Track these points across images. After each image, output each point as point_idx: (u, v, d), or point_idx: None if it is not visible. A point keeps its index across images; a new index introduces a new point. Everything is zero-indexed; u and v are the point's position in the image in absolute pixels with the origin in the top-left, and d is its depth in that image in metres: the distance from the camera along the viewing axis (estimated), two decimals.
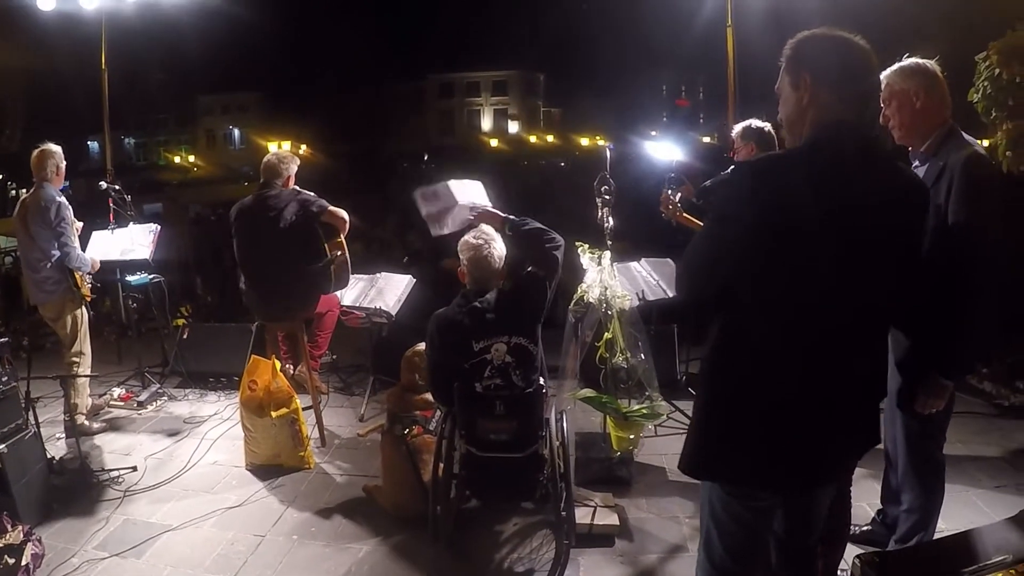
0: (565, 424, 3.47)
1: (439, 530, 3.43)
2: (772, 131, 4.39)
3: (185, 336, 6.34)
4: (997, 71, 5.41)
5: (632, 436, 4.26)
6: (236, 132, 58.93)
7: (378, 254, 10.38)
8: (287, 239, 4.65)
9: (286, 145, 46.32)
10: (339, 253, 4.81)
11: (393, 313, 5.39)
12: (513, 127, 62.39)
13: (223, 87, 54.01)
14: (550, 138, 60.41)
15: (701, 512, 2.22)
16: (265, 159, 4.90)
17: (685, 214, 4.47)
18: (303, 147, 46.13)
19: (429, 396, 3.95)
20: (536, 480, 3.35)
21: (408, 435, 3.86)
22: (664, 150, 6.13)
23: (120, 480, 4.35)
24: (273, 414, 4.31)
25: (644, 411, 4.21)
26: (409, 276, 5.71)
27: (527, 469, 3.30)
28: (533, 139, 60.05)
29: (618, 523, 3.74)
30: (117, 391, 5.74)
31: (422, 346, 4.09)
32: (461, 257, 3.38)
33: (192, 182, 36.49)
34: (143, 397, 5.63)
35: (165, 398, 5.80)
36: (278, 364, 4.47)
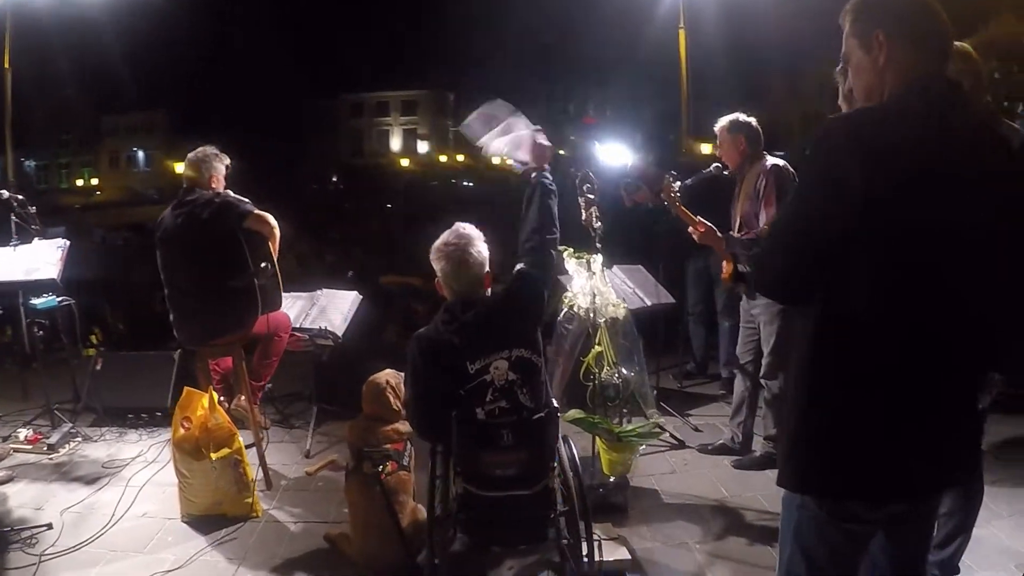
0: (574, 450, 2.91)
1: None
2: (758, 125, 4.10)
3: (98, 367, 5.45)
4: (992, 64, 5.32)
5: (626, 458, 3.75)
6: (141, 154, 55.69)
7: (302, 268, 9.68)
8: (206, 250, 3.97)
9: None
10: (265, 266, 4.06)
11: (340, 333, 4.75)
12: (423, 147, 61.64)
13: (127, 106, 50.93)
14: (460, 157, 60.04)
15: (782, 540, 1.93)
16: (187, 159, 4.19)
17: (682, 207, 4.01)
18: None
19: (400, 426, 3.38)
20: (546, 518, 2.77)
21: (382, 473, 3.22)
22: (612, 153, 5.81)
23: (33, 541, 3.54)
24: (213, 455, 3.60)
25: (639, 430, 3.72)
26: (355, 292, 5.07)
27: (536, 507, 2.71)
28: (443, 159, 59.52)
29: (629, 556, 3.29)
30: (23, 432, 4.84)
31: (386, 372, 3.54)
32: (435, 265, 2.81)
33: (95, 205, 34.28)
34: (54, 439, 4.74)
35: (79, 439, 4.92)
36: (216, 396, 3.74)
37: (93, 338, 6.95)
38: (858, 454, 1.70)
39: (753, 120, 4.16)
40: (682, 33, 6.43)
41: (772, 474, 4.21)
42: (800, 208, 1.73)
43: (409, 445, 3.40)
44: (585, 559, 2.74)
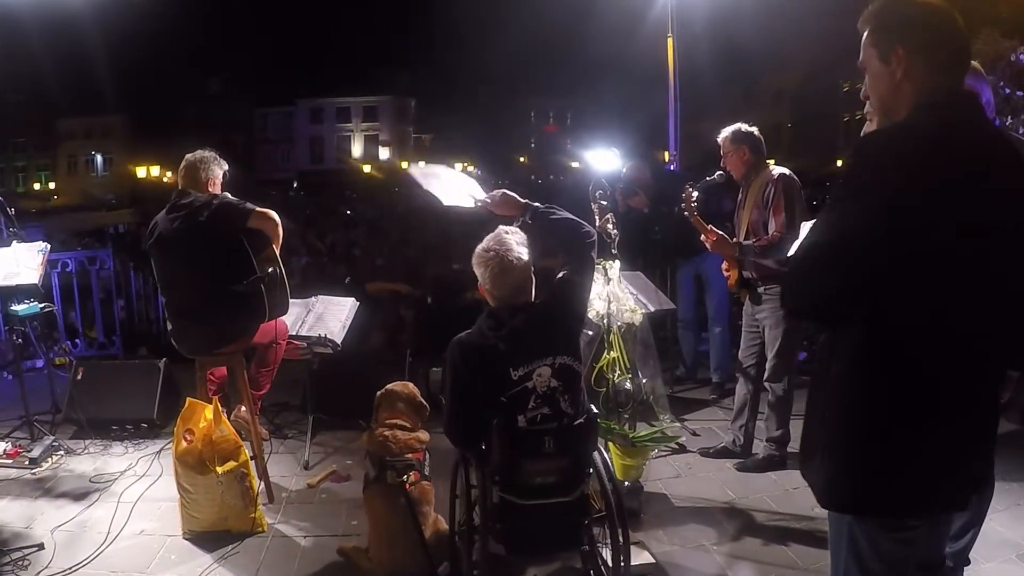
0: (605, 455, 2.83)
1: None
2: (760, 135, 4.09)
3: (79, 377, 5.18)
4: None
5: (639, 464, 3.67)
6: (99, 158, 53.98)
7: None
8: (206, 254, 3.74)
9: (155, 170, 43.31)
10: (272, 269, 3.84)
11: (339, 341, 4.57)
12: (384, 153, 61.05)
13: (85, 110, 49.26)
14: (422, 164, 59.39)
15: (834, 552, 1.88)
16: (183, 161, 3.95)
17: (696, 215, 3.96)
18: (169, 174, 43.21)
19: (422, 435, 3.26)
20: (582, 525, 2.71)
21: (406, 483, 3.09)
22: (603, 159, 5.78)
23: (25, 563, 3.30)
24: (219, 469, 3.41)
25: (654, 435, 3.64)
26: (352, 299, 4.89)
27: (573, 514, 2.66)
28: (405, 165, 59.00)
29: (653, 560, 3.24)
30: (2, 446, 4.56)
31: (398, 384, 3.46)
32: (476, 271, 2.74)
33: (53, 210, 33.14)
34: (36, 452, 4.48)
35: (62, 452, 4.66)
36: (219, 407, 3.55)
37: (63, 348, 6.64)
38: (916, 472, 1.69)
39: (755, 130, 4.14)
40: (671, 41, 6.38)
41: (776, 476, 4.27)
42: (843, 227, 1.64)
43: (427, 454, 3.26)
44: (621, 563, 2.66)
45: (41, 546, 3.41)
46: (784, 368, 4.13)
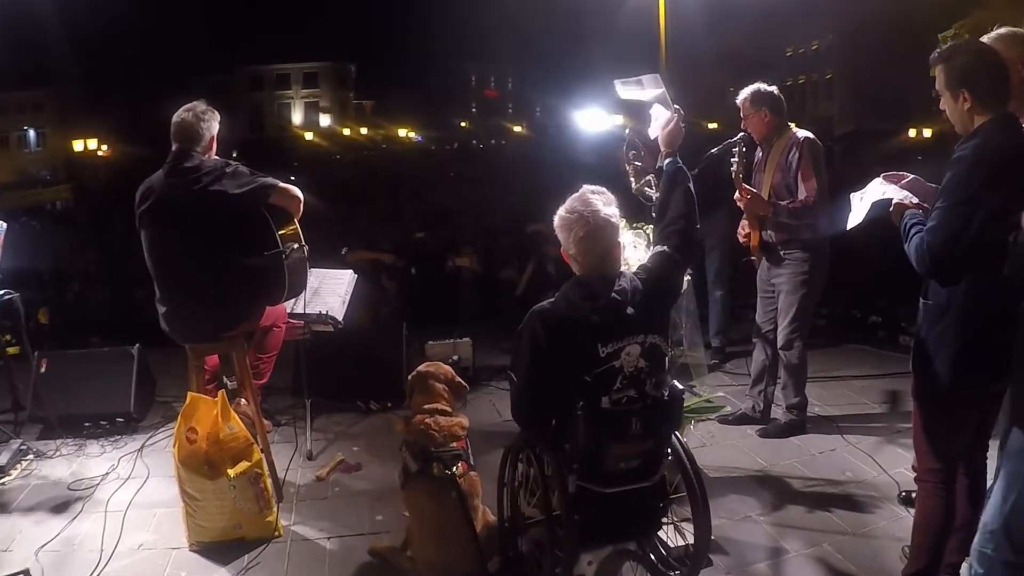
0: (678, 433, 2.58)
1: None
2: (780, 94, 3.96)
3: (43, 370, 4.56)
4: None
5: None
6: (32, 133, 50.53)
7: None
8: (213, 224, 3.21)
9: (92, 143, 40.75)
10: (296, 246, 3.35)
11: (340, 317, 4.08)
12: (325, 120, 59.14)
13: (15, 84, 45.82)
14: (364, 130, 58.04)
15: (1008, 485, 2.03)
16: (177, 116, 3.35)
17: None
18: (104, 147, 40.89)
19: (463, 420, 2.88)
20: (658, 510, 2.50)
21: (456, 475, 2.71)
22: (592, 119, 5.48)
23: None
24: (231, 472, 2.92)
25: (698, 404, 3.35)
26: (350, 271, 4.39)
27: (653, 498, 2.46)
28: (347, 132, 57.44)
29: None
30: None
31: (429, 364, 3.04)
32: (560, 235, 2.43)
33: None
34: (3, 459, 3.89)
35: (31, 457, 4.08)
36: (225, 399, 3.05)
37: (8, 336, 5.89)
38: None
39: (775, 89, 3.94)
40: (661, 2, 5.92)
41: (799, 441, 4.14)
42: (984, 202, 2.19)
43: (468, 442, 2.86)
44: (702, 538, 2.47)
45: (26, 573, 2.87)
46: (798, 334, 4.00)
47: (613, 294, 2.29)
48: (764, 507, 3.41)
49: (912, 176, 2.61)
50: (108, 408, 4.44)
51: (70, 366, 4.64)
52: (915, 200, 2.46)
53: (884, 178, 2.63)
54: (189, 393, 3.05)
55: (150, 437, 4.35)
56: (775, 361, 4.17)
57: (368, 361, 4.86)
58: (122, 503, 3.49)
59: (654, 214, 3.27)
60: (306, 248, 3.40)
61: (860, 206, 2.65)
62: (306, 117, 59.10)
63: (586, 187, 2.43)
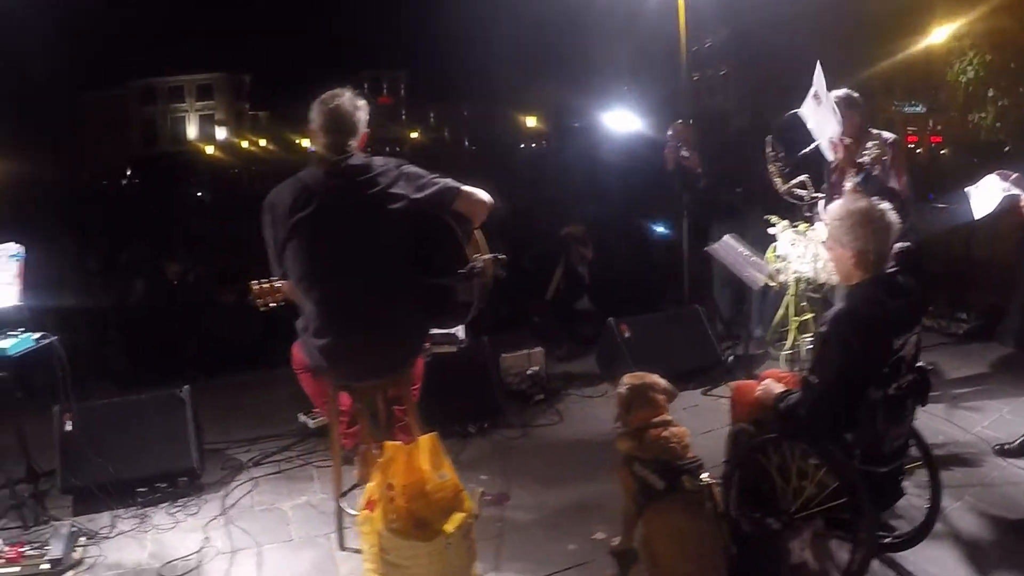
0: None
1: None
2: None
3: (68, 427, 3.60)
4: (988, 57, 5.89)
5: None
6: None
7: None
8: (404, 244, 2.62)
9: None
10: (483, 260, 2.74)
11: (463, 337, 3.49)
12: (221, 133, 56.19)
13: None
14: (262, 142, 55.62)
15: None
16: (331, 102, 2.65)
17: None
18: None
19: (684, 429, 2.68)
20: (901, 480, 2.64)
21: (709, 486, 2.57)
22: (620, 120, 5.83)
23: None
24: (447, 528, 2.22)
25: None
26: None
27: (900, 471, 2.62)
28: (244, 144, 54.83)
29: None
30: None
31: (632, 376, 2.79)
32: (855, 233, 2.47)
33: None
34: (58, 550, 2.95)
35: (83, 539, 3.16)
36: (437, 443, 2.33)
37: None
38: None
39: (859, 95, 4.13)
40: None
41: None
42: None
43: None
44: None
45: None
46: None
47: (910, 290, 2.46)
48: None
49: (1017, 174, 3.00)
50: (164, 467, 3.59)
51: (102, 419, 3.70)
52: None
53: (999, 175, 3.01)
54: (386, 443, 2.30)
55: (226, 496, 3.53)
56: None
57: (456, 380, 4.15)
58: None
59: (807, 213, 3.86)
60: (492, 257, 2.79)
61: (984, 199, 2.96)
62: (201, 130, 55.99)
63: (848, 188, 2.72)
